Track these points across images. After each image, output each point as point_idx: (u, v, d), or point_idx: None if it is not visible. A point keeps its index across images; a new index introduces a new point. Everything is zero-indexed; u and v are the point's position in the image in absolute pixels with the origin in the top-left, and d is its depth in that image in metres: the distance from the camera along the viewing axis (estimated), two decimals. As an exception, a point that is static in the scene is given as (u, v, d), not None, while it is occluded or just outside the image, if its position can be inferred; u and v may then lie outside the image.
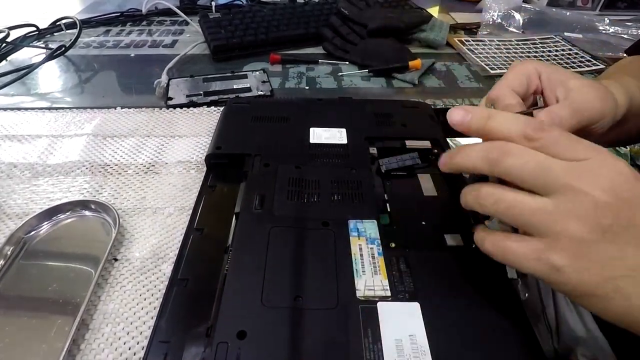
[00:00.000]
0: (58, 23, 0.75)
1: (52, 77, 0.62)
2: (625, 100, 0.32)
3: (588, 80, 0.31)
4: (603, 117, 0.29)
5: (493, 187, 0.23)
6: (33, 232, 0.36)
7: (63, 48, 0.65)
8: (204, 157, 0.42)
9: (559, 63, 0.68)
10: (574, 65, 0.67)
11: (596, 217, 0.20)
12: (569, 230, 0.20)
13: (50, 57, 0.62)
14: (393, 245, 0.31)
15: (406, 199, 0.37)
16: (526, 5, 0.85)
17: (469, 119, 0.24)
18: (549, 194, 0.21)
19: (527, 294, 0.36)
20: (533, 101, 0.30)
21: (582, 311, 0.34)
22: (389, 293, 0.28)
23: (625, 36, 0.78)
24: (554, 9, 0.86)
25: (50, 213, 0.37)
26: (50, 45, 0.70)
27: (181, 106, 0.54)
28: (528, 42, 0.75)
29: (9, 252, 0.34)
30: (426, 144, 0.42)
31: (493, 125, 0.24)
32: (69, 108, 0.53)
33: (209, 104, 0.54)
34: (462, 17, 0.85)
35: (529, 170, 0.22)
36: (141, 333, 0.29)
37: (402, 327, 0.26)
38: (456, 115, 0.24)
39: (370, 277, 0.29)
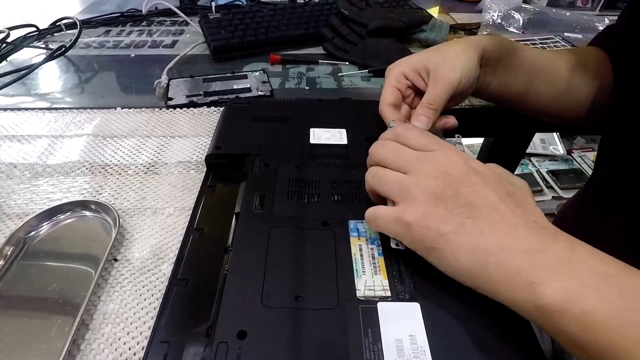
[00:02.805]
0: (58, 23, 0.75)
1: (52, 78, 0.62)
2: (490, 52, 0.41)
3: (442, 54, 0.40)
4: (463, 78, 0.38)
5: (377, 168, 0.31)
6: (33, 233, 0.36)
7: (63, 48, 0.65)
8: (204, 157, 0.42)
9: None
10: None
11: (433, 188, 0.27)
12: (415, 197, 0.27)
13: (50, 57, 0.62)
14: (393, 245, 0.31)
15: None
16: (526, 6, 0.85)
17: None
18: (406, 173, 0.29)
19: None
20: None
21: None
22: (389, 293, 0.28)
23: (625, 36, 0.78)
24: (554, 9, 0.86)
25: (50, 213, 0.37)
26: (50, 46, 0.70)
27: (181, 106, 0.54)
28: (528, 42, 0.75)
29: (9, 253, 0.34)
30: None
31: (382, 137, 0.34)
32: (69, 108, 0.53)
33: (209, 104, 0.54)
34: (462, 18, 0.86)
35: (390, 156, 0.30)
36: (141, 333, 0.29)
37: (402, 327, 0.26)
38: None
39: (370, 277, 0.29)
